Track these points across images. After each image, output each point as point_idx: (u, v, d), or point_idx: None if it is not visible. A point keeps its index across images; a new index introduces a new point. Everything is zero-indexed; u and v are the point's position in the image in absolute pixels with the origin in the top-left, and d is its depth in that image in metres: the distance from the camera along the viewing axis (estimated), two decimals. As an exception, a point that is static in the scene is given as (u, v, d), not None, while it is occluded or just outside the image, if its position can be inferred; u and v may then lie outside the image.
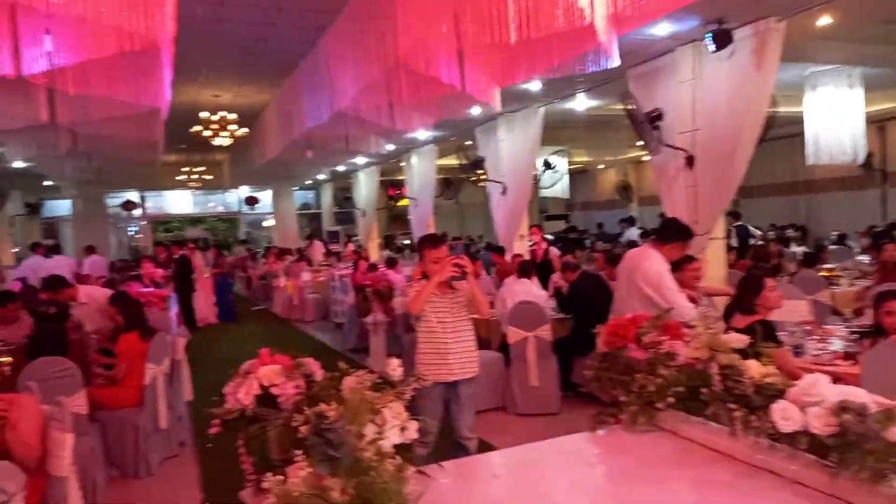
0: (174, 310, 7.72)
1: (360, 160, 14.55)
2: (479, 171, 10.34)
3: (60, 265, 10.56)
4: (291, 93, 9.03)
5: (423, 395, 2.30)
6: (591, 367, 2.62)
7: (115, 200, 18.65)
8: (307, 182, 19.81)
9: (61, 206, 18.26)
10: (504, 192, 9.53)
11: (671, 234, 4.12)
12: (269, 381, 2.25)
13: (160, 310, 6.80)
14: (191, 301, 10.58)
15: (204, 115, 9.75)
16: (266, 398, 2.28)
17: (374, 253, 15.32)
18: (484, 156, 9.93)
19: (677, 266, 4.18)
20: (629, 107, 6.39)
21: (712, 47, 5.39)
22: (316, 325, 10.87)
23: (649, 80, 6.49)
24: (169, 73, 5.85)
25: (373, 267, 9.02)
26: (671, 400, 2.09)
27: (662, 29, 5.69)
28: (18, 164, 11.79)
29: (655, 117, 6.16)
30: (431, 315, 3.29)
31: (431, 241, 3.41)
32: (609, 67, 3.81)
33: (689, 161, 5.97)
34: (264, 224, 21.65)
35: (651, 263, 3.92)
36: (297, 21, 6.34)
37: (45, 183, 15.35)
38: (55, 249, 11.76)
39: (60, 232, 18.51)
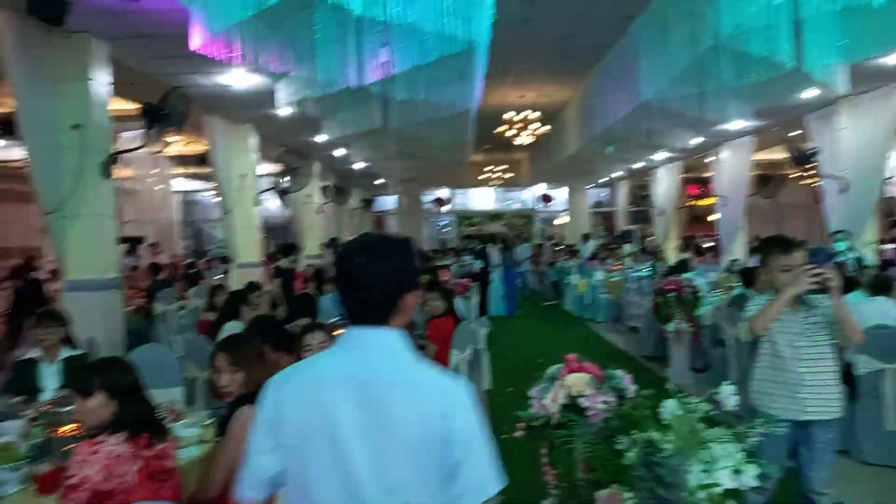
0: (475, 300, 8.18)
1: (661, 156, 13.71)
2: (809, 166, 8.83)
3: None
4: (594, 87, 8.86)
5: (764, 433, 1.88)
6: None
7: (428, 197, 20.85)
8: (602, 180, 19.50)
9: (388, 202, 21.10)
10: (843, 189, 7.97)
11: None
12: (578, 391, 2.07)
13: (464, 299, 7.23)
14: (487, 293, 11.19)
15: (508, 115, 10.16)
16: (573, 408, 2.11)
17: (672, 255, 14.34)
18: (818, 147, 8.45)
19: None
20: None
21: None
22: (608, 326, 10.55)
23: None
24: (481, 75, 6.16)
25: (673, 270, 8.37)
26: None
27: None
28: (358, 164, 13.86)
29: None
30: (779, 336, 2.70)
31: (782, 245, 2.78)
32: None
33: None
34: (556, 222, 21.98)
35: None
36: (608, 12, 6.11)
37: (378, 181, 17.85)
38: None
39: (386, 223, 21.39)
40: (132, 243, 13.54)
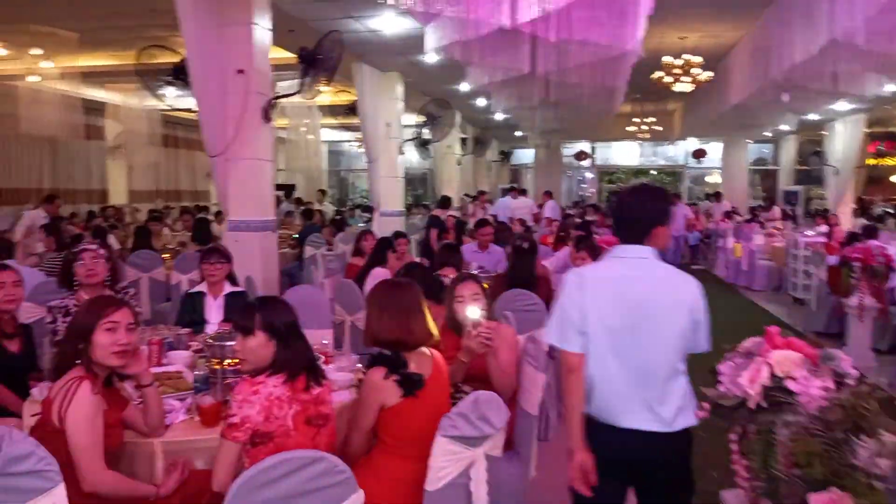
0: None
1: (842, 106, 12.05)
2: None
3: (524, 206, 11.85)
4: (772, 24, 7.81)
5: None
6: None
7: (569, 151, 20.06)
8: (765, 134, 17.61)
9: (526, 155, 20.60)
10: None
11: None
12: (785, 372, 1.73)
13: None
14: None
15: (667, 59, 9.29)
16: (777, 390, 1.78)
17: (846, 220, 12.73)
18: None
19: None
20: None
21: None
22: (766, 295, 9.59)
23: None
24: (645, 11, 5.57)
25: (854, 237, 7.34)
26: None
27: None
28: (499, 116, 13.55)
29: None
30: None
31: None
32: None
33: None
34: (708, 179, 20.35)
35: None
36: (803, -70, 5.24)
37: (517, 133, 17.42)
38: (522, 192, 13.24)
39: (523, 177, 20.96)
40: (287, 191, 14.37)
